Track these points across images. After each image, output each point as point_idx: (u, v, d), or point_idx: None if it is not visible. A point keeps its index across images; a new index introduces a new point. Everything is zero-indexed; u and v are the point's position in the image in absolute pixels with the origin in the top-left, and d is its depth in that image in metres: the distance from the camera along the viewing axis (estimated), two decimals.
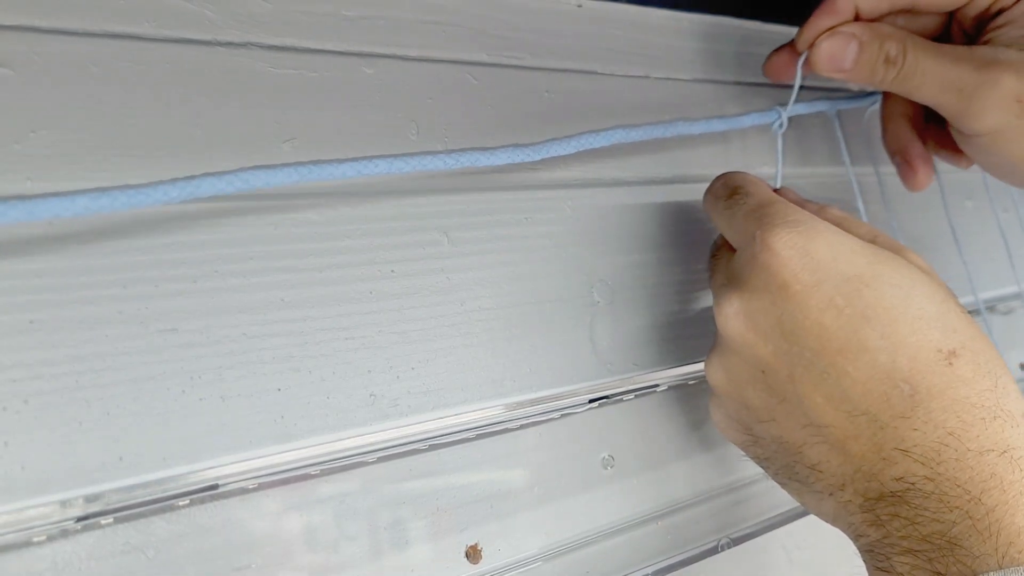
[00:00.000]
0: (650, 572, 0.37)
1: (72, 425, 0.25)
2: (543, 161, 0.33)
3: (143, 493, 0.26)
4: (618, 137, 0.35)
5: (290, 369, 0.29)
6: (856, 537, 0.30)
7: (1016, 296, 0.58)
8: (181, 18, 0.28)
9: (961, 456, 0.27)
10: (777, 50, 0.40)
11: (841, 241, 0.30)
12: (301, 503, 0.29)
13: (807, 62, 0.38)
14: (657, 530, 0.38)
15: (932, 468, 0.27)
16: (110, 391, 0.25)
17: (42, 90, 0.25)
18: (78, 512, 0.25)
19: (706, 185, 0.36)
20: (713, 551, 0.40)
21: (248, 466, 0.28)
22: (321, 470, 0.29)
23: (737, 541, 0.41)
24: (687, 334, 0.40)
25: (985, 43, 0.37)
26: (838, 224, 0.32)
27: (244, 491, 0.28)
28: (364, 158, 0.28)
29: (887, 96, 0.44)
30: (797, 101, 0.40)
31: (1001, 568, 0.25)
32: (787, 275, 0.30)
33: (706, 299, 0.41)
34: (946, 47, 0.36)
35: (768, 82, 0.41)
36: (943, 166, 0.46)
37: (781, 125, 0.40)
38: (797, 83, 0.39)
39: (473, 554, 0.33)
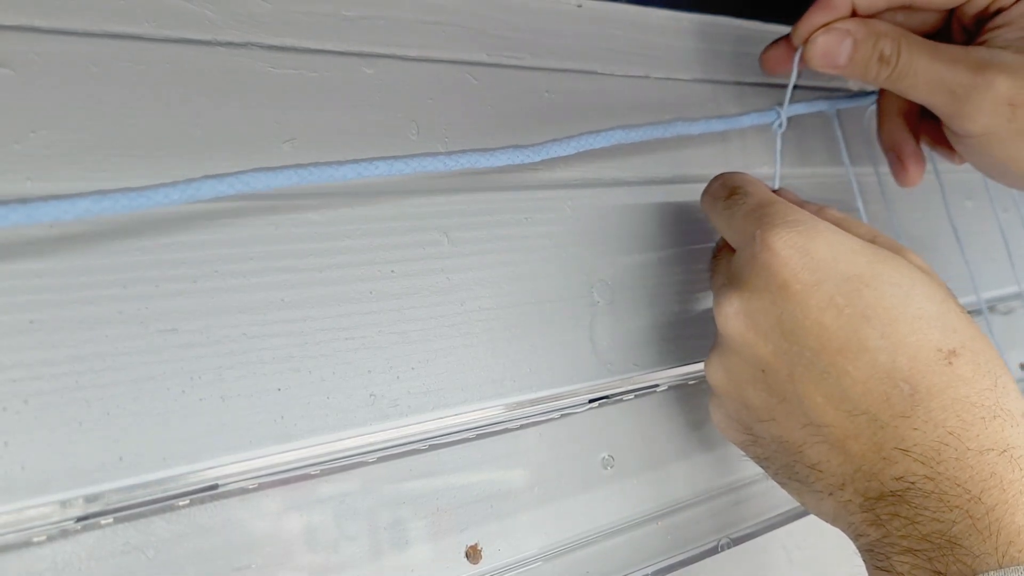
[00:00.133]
0: (650, 572, 0.37)
1: (72, 425, 0.25)
2: (543, 161, 0.33)
3: (143, 493, 0.26)
4: (618, 138, 0.35)
5: (290, 369, 0.29)
6: (856, 537, 0.30)
7: (1016, 296, 0.58)
8: (181, 18, 0.28)
9: (961, 455, 0.27)
10: (774, 43, 0.40)
11: (841, 241, 0.30)
12: (301, 503, 0.29)
13: (802, 57, 0.38)
14: (657, 530, 0.38)
15: (932, 467, 0.27)
16: (110, 391, 0.25)
17: (42, 90, 0.25)
18: (78, 512, 0.25)
19: (705, 185, 0.36)
20: (713, 551, 0.40)
21: (248, 466, 0.28)
22: (321, 470, 0.29)
23: (737, 541, 0.41)
24: (687, 334, 0.40)
25: (982, 43, 0.37)
26: (837, 224, 0.32)
27: (244, 491, 0.28)
28: (364, 160, 0.28)
29: (883, 92, 0.44)
30: (798, 101, 0.40)
31: (1001, 567, 0.25)
32: (787, 275, 0.30)
33: (706, 299, 0.41)
34: (942, 47, 0.36)
35: (768, 82, 0.41)
36: (944, 166, 0.46)
37: (780, 125, 0.40)
38: (793, 77, 0.39)
39: (473, 554, 0.33)
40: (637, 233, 0.39)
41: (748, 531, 0.41)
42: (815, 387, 0.30)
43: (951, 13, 0.39)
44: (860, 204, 0.47)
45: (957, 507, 0.27)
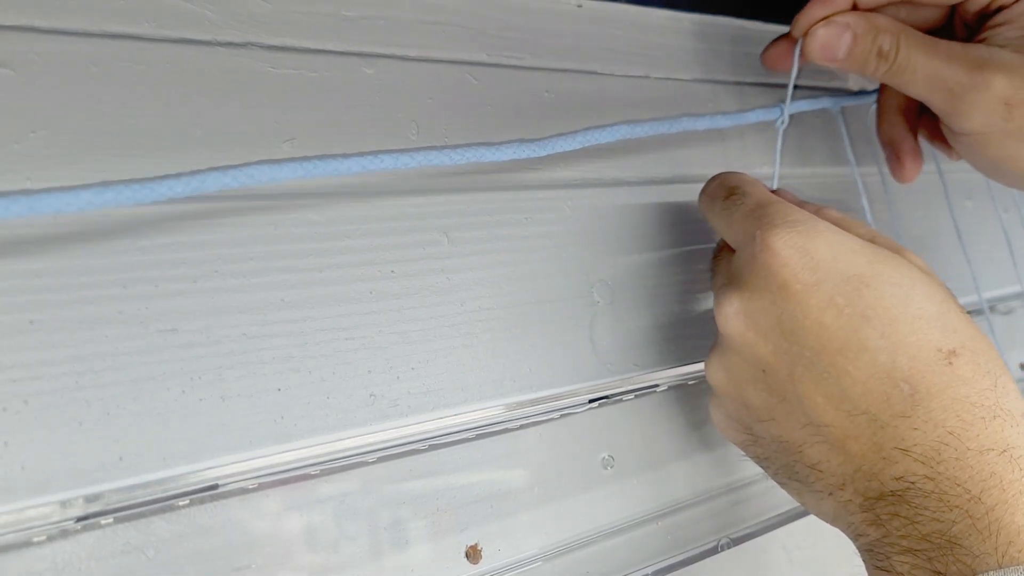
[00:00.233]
0: (650, 572, 0.37)
1: (72, 425, 0.25)
2: (543, 161, 0.33)
3: (143, 493, 0.26)
4: (623, 133, 0.35)
5: (290, 369, 0.29)
6: (856, 536, 0.30)
7: (1017, 296, 0.58)
8: (181, 18, 0.28)
9: (961, 455, 0.27)
10: (776, 40, 0.40)
11: (841, 241, 0.30)
12: (301, 503, 0.29)
13: (802, 51, 0.38)
14: (657, 530, 0.38)
15: (932, 467, 0.27)
16: (110, 391, 0.25)
17: (42, 90, 0.26)
18: (78, 512, 0.25)
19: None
20: (713, 551, 0.40)
21: (248, 466, 0.28)
22: (321, 470, 0.29)
23: (737, 541, 0.40)
24: (687, 334, 0.40)
25: (982, 40, 0.37)
26: (837, 224, 0.32)
27: (244, 491, 0.28)
28: (369, 153, 0.28)
29: (883, 87, 0.44)
30: (801, 99, 0.40)
31: (1001, 567, 0.25)
32: (787, 275, 0.30)
33: (706, 299, 0.41)
34: (941, 43, 0.36)
35: (768, 81, 0.41)
36: (947, 165, 0.46)
37: (783, 121, 0.40)
38: (794, 71, 0.39)
39: (473, 554, 0.33)
40: (637, 233, 0.39)
41: (748, 531, 0.41)
42: (815, 387, 0.30)
43: (953, 9, 0.39)
44: (865, 203, 0.47)
45: (957, 507, 0.27)
